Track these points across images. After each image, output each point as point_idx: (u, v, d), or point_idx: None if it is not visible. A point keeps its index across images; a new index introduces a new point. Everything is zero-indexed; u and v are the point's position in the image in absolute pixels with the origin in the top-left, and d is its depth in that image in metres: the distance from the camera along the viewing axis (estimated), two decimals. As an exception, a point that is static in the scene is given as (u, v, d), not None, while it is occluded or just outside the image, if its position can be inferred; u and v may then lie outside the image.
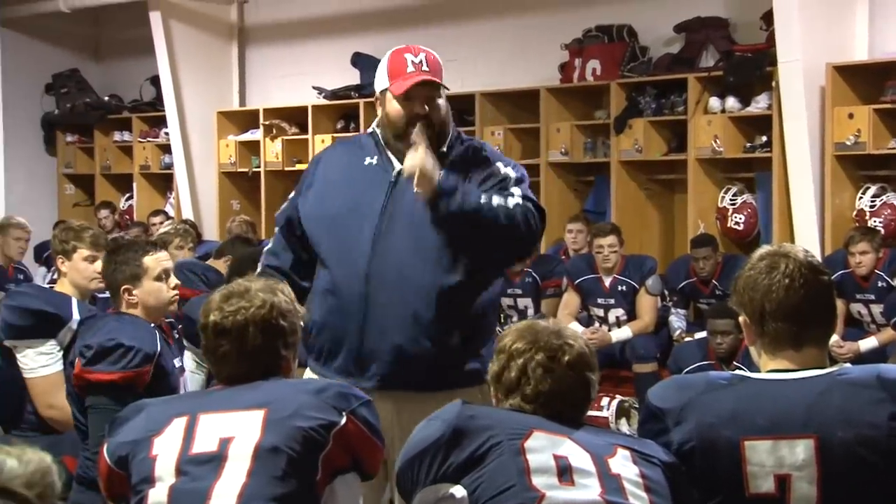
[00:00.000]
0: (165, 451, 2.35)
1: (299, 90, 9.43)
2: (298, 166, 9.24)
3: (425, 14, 8.86)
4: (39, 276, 8.32)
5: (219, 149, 9.79)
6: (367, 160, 3.23)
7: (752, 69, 6.88)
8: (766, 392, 2.21)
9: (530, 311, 7.20)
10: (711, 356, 5.94)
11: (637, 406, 6.44)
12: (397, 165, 3.16)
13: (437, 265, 3.13)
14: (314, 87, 9.19)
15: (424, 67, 3.16)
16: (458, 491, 2.15)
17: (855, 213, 6.56)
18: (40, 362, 3.93)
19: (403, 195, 3.13)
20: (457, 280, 3.14)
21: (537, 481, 2.12)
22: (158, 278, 3.46)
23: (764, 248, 2.33)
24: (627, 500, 2.13)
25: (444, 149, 3.21)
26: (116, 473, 2.42)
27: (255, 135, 9.59)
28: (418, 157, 3.02)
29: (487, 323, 3.31)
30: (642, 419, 2.37)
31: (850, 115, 6.40)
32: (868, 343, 6.18)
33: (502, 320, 7.31)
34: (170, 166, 10.17)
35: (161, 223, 8.40)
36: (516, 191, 3.17)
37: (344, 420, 2.37)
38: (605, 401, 6.62)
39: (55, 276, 6.68)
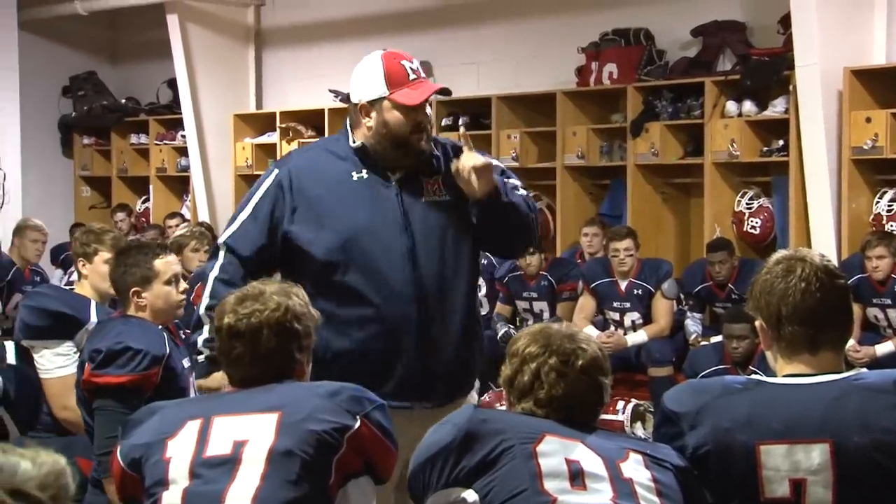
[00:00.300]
0: (179, 453, 2.35)
1: (316, 93, 9.45)
2: (314, 169, 9.25)
3: (441, 17, 8.86)
4: (56, 278, 8.36)
5: (235, 151, 9.82)
6: (355, 174, 3.11)
7: (769, 73, 6.86)
8: (781, 396, 2.20)
9: (546, 315, 7.20)
10: (727, 360, 5.92)
11: (652, 410, 6.43)
12: (392, 177, 3.13)
13: (463, 271, 3.17)
14: (330, 91, 9.20)
15: (422, 75, 3.14)
16: (470, 495, 2.15)
17: (872, 217, 6.53)
18: (57, 363, 3.94)
19: (412, 208, 3.11)
20: (473, 281, 3.21)
21: (549, 486, 2.11)
22: (168, 282, 3.47)
23: (780, 253, 2.32)
24: (639, 505, 2.13)
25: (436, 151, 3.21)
26: (130, 476, 2.42)
27: (272, 137, 9.61)
28: (479, 157, 3.05)
29: None
30: (657, 423, 2.36)
31: (868, 119, 6.37)
32: (884, 348, 6.15)
33: (518, 323, 7.31)
34: (186, 169, 10.20)
35: (177, 226, 8.43)
36: (513, 181, 3.22)
37: (358, 424, 2.37)
38: (620, 404, 6.61)
39: (72, 279, 6.71)
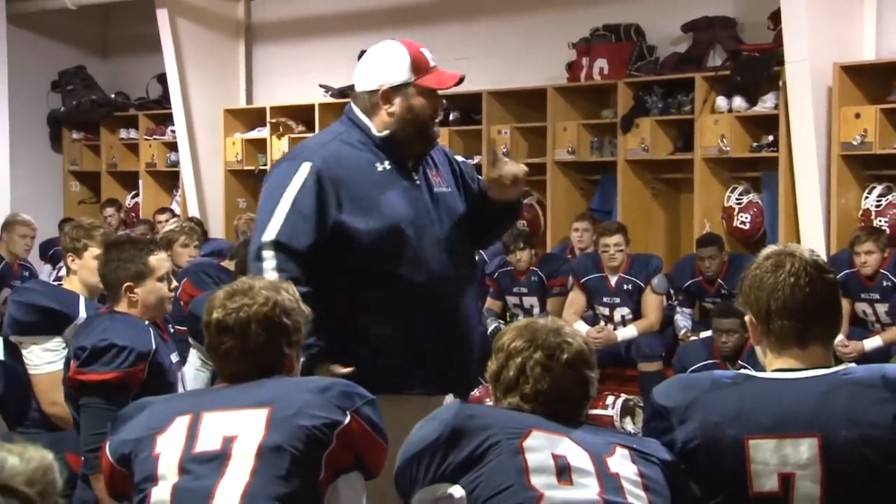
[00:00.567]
0: (168, 449, 2.35)
1: (306, 88, 9.43)
2: (304, 164, 9.24)
3: (433, 12, 8.86)
4: (45, 273, 8.33)
5: (225, 146, 9.80)
6: (379, 165, 3.14)
7: (759, 69, 6.87)
8: (770, 391, 2.21)
9: (536, 310, 7.21)
10: (716, 355, 5.94)
11: (642, 405, 6.44)
12: (409, 167, 3.20)
13: (473, 259, 3.35)
14: (321, 86, 9.19)
15: (437, 62, 3.22)
16: (457, 491, 2.15)
17: (861, 212, 6.54)
18: (46, 359, 3.94)
19: (434, 197, 3.19)
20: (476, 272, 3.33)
21: (536, 481, 2.11)
22: (161, 279, 3.46)
23: (770, 248, 2.33)
24: (626, 500, 2.13)
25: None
26: (119, 471, 2.41)
27: (262, 133, 9.59)
28: (521, 166, 3.26)
29: None
30: (647, 417, 2.37)
31: (857, 115, 6.39)
32: (873, 342, 6.17)
33: (508, 319, 7.32)
34: (176, 164, 10.17)
35: (167, 221, 8.42)
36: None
37: (348, 419, 2.36)
38: (610, 399, 6.62)
39: (60, 274, 6.69)
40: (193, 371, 4.64)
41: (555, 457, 2.15)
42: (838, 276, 2.39)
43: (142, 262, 3.43)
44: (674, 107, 7.37)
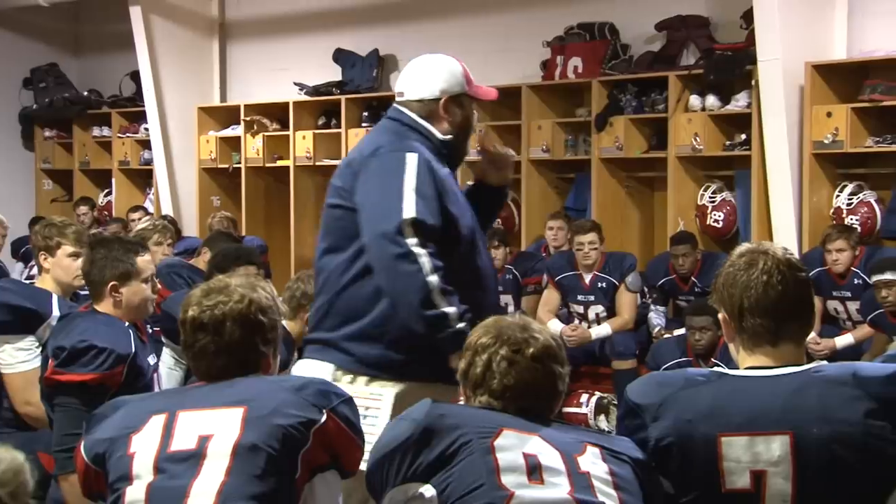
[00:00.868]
0: (143, 448, 2.34)
1: (280, 86, 9.41)
2: (280, 162, 9.22)
3: (407, 10, 8.85)
4: (16, 272, 8.26)
5: (199, 144, 9.76)
6: (443, 167, 3.25)
7: (732, 68, 6.90)
8: (743, 388, 2.22)
9: (511, 308, 7.21)
10: (690, 353, 5.96)
11: (616, 402, 6.46)
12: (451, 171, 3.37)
13: None
14: (295, 83, 9.17)
15: None
16: (428, 490, 2.15)
17: (832, 210, 6.59)
18: (18, 358, 3.90)
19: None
20: None
21: (506, 480, 2.12)
22: (146, 280, 3.45)
23: (744, 246, 2.34)
24: (597, 498, 2.14)
25: None
26: (93, 471, 2.40)
27: (236, 131, 9.55)
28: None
29: None
30: (620, 415, 2.38)
31: (829, 114, 6.43)
32: (844, 340, 6.21)
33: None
34: (149, 162, 10.12)
35: (140, 219, 8.35)
36: None
37: (324, 418, 2.36)
38: (584, 397, 6.64)
39: (32, 273, 6.64)
40: (166, 370, 4.62)
41: (525, 456, 2.16)
42: (810, 274, 2.40)
43: (129, 263, 3.41)
44: (647, 105, 7.39)
